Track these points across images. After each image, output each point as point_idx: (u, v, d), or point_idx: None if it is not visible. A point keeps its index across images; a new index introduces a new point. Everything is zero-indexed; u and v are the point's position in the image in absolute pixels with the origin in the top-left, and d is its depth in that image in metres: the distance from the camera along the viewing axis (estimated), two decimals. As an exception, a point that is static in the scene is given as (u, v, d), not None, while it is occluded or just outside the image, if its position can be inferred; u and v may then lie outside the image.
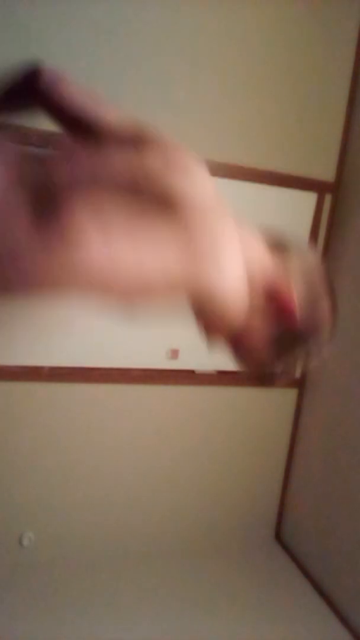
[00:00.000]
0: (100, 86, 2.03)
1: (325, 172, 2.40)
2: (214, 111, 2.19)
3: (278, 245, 0.98)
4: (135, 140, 0.92)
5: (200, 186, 0.89)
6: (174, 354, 2.35)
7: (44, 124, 1.97)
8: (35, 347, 2.14)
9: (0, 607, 2.04)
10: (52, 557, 2.32)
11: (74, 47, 1.98)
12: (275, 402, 2.59)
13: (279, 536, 2.73)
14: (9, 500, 2.26)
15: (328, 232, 2.46)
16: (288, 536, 2.67)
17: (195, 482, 2.53)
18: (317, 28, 2.27)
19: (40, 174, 0.81)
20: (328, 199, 2.41)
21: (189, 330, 2.35)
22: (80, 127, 0.97)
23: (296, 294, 0.93)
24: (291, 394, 2.61)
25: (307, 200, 2.38)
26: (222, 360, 2.46)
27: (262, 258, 0.94)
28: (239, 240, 0.88)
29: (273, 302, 0.94)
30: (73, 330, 2.14)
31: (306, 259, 0.97)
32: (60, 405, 2.24)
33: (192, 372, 2.40)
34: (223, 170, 2.20)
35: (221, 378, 2.44)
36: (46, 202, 0.77)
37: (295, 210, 2.38)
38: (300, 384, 2.60)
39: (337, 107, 2.37)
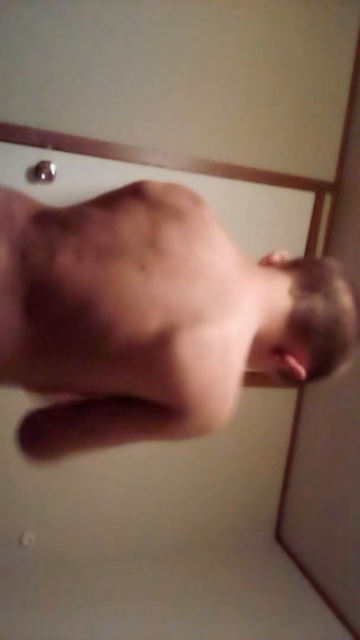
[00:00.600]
0: (100, 87, 2.04)
1: (325, 172, 2.40)
2: (213, 111, 2.19)
3: (308, 292, 0.89)
4: (133, 190, 0.86)
5: (217, 249, 0.84)
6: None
7: (43, 123, 1.97)
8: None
9: (0, 607, 2.04)
10: (52, 557, 2.32)
11: (74, 47, 1.98)
12: (275, 402, 2.59)
13: (279, 536, 2.73)
14: (9, 500, 2.26)
15: (328, 232, 2.46)
16: (288, 536, 2.67)
17: (195, 482, 2.53)
18: (317, 28, 2.27)
19: (44, 257, 0.76)
20: (328, 199, 2.41)
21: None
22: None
23: (309, 351, 0.91)
24: (291, 394, 2.61)
25: (306, 200, 2.38)
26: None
27: (277, 313, 0.88)
28: (260, 293, 0.86)
29: (280, 359, 0.93)
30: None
31: (336, 307, 0.89)
32: (60, 405, 2.24)
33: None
34: (223, 170, 2.20)
35: (221, 378, 2.44)
36: (41, 290, 0.74)
37: (295, 210, 2.38)
38: (300, 383, 2.60)
39: (337, 107, 2.37)
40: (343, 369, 0.96)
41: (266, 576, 2.44)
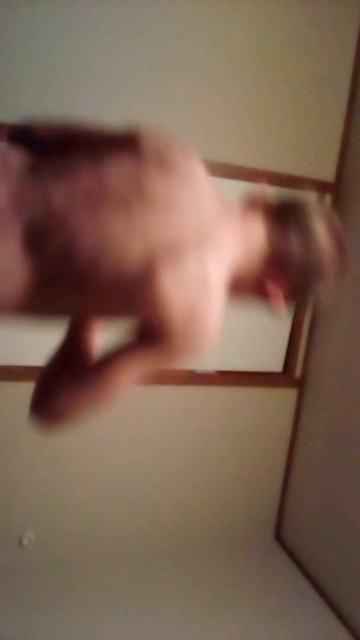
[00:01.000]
0: (100, 87, 2.04)
1: (325, 172, 2.40)
2: (214, 111, 2.19)
3: (282, 215, 0.99)
4: (129, 141, 0.93)
5: (197, 194, 0.91)
6: (174, 354, 2.34)
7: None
8: (35, 347, 2.14)
9: (1, 607, 2.04)
10: (52, 557, 2.32)
11: (74, 47, 1.98)
12: (275, 402, 2.59)
13: (279, 536, 2.73)
14: (9, 500, 2.26)
15: (346, 264, 2.46)
16: (288, 536, 2.67)
17: (195, 482, 2.53)
18: (317, 29, 2.27)
19: (39, 197, 0.83)
20: (328, 198, 2.41)
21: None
22: (70, 145, 0.98)
23: (287, 279, 0.99)
24: (291, 394, 2.61)
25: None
26: (222, 360, 2.48)
27: (254, 249, 0.97)
28: (237, 232, 0.94)
29: (261, 290, 1.01)
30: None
31: (309, 236, 0.98)
32: (60, 405, 2.24)
33: (192, 372, 2.41)
34: (223, 170, 2.20)
35: (221, 378, 2.44)
36: (38, 230, 0.81)
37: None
38: (300, 384, 2.60)
39: (337, 107, 2.37)
40: (320, 292, 1.04)
41: (266, 576, 2.44)
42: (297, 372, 2.59)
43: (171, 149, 0.94)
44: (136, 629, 2.03)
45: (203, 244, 0.87)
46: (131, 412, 2.36)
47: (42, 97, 1.97)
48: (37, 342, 2.16)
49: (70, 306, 0.88)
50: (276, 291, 0.99)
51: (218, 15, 2.13)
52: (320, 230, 0.99)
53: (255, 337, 2.46)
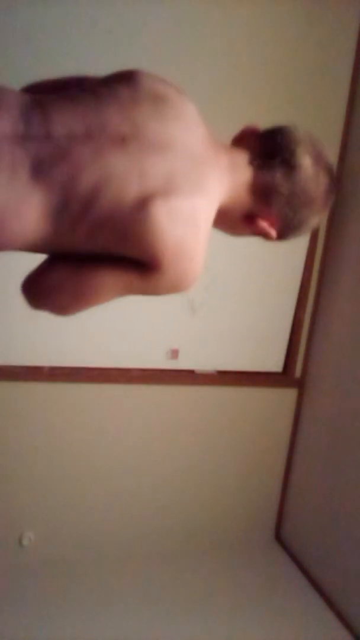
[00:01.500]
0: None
1: (325, 172, 2.40)
2: (212, 111, 2.18)
3: (268, 148, 1.01)
4: (126, 78, 0.97)
5: (190, 133, 0.95)
6: (174, 354, 2.35)
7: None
8: (35, 347, 2.14)
9: (0, 607, 2.04)
10: (52, 557, 2.32)
11: (74, 46, 1.98)
12: (275, 402, 2.59)
13: (279, 536, 2.73)
14: (9, 500, 2.26)
15: (328, 232, 2.46)
16: (288, 536, 2.67)
17: (195, 482, 2.53)
18: (317, 28, 2.27)
19: (39, 130, 0.87)
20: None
21: (189, 330, 2.36)
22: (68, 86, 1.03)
23: (275, 211, 1.01)
24: (291, 394, 2.61)
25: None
26: (222, 360, 2.48)
27: (242, 184, 0.99)
28: (226, 167, 0.97)
29: (250, 224, 1.04)
30: (73, 330, 2.14)
31: (294, 168, 0.99)
32: (60, 405, 2.24)
33: (192, 372, 2.41)
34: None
35: (221, 378, 2.44)
36: (44, 160, 0.85)
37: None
38: (300, 384, 2.60)
39: (337, 107, 2.37)
40: (313, 221, 1.05)
41: (266, 576, 2.44)
42: (297, 372, 2.59)
43: (165, 87, 0.98)
44: (136, 629, 2.02)
45: (194, 182, 0.91)
46: (131, 412, 2.36)
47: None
48: (37, 342, 2.16)
49: (75, 241, 0.91)
50: (265, 226, 1.02)
51: (217, 15, 2.13)
52: (306, 160, 1.00)
53: (255, 337, 2.46)
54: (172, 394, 2.39)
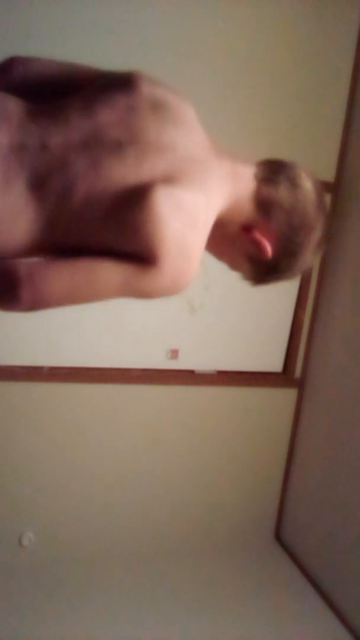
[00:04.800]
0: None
1: (325, 172, 2.40)
2: (212, 112, 2.18)
3: (272, 166, 1.02)
4: (125, 82, 0.96)
5: (190, 138, 0.95)
6: (174, 354, 2.35)
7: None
8: (35, 347, 2.14)
9: (1, 607, 2.04)
10: (52, 557, 2.32)
11: (74, 46, 1.98)
12: (275, 402, 2.59)
13: (279, 536, 2.73)
14: (9, 500, 2.26)
15: (328, 232, 2.46)
16: (288, 536, 2.67)
17: (195, 482, 2.53)
18: (318, 28, 2.27)
19: (35, 141, 0.87)
20: (328, 198, 2.41)
21: (188, 330, 2.36)
22: (62, 88, 1.02)
23: (274, 227, 1.00)
24: (291, 394, 2.61)
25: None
26: (222, 360, 2.48)
27: (243, 194, 0.99)
28: (227, 174, 0.97)
29: (247, 236, 1.02)
30: (73, 330, 2.14)
31: (297, 187, 1.01)
32: (60, 405, 2.24)
33: (192, 372, 2.41)
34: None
35: (221, 378, 2.44)
36: (39, 170, 0.85)
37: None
38: (300, 384, 2.60)
39: (337, 107, 2.37)
40: (306, 257, 1.05)
41: (266, 576, 2.44)
42: (297, 372, 2.59)
43: (165, 92, 0.96)
44: (136, 629, 2.03)
45: (194, 180, 0.90)
46: (131, 412, 2.36)
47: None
48: (37, 342, 2.16)
49: (71, 245, 0.90)
50: (261, 238, 1.01)
51: (217, 16, 2.13)
52: (308, 185, 1.01)
53: (255, 337, 2.46)
54: (172, 394, 2.39)
